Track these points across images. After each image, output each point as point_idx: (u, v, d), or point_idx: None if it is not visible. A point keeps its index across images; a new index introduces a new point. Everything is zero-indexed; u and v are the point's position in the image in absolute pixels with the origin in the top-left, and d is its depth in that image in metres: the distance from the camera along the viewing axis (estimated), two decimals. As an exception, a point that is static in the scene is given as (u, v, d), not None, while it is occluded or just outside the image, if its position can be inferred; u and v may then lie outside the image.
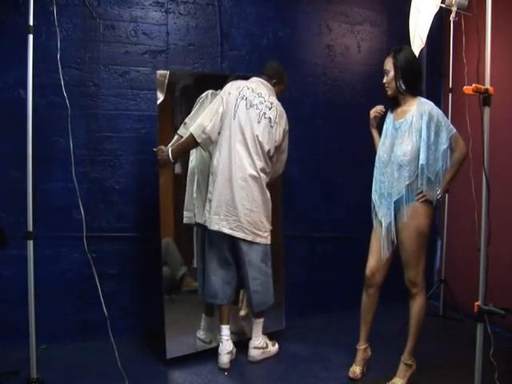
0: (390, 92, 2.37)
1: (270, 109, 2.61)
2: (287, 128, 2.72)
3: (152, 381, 2.50)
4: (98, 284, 2.24)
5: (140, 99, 3.07)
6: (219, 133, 2.58)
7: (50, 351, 2.75)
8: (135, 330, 3.06)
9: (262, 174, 2.59)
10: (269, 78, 2.73)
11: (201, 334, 2.85)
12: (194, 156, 2.83)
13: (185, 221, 2.82)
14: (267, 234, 2.66)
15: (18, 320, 2.49)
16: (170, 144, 2.68)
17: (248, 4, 3.32)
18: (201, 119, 2.57)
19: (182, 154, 2.69)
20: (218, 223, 2.55)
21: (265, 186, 2.64)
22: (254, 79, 2.71)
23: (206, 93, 2.83)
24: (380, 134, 2.49)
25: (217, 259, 2.66)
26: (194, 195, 2.79)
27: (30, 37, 2.05)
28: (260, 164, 2.58)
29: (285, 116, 2.69)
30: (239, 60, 3.15)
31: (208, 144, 2.59)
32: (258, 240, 2.62)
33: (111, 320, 2.27)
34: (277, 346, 2.86)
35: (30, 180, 2.06)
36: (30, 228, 2.06)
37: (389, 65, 2.35)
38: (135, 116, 3.07)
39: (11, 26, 2.76)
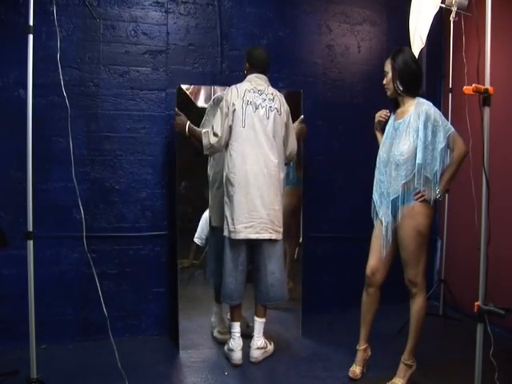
0: (389, 93, 2.41)
1: (273, 100, 2.68)
2: (288, 107, 2.77)
3: (152, 381, 2.50)
4: (97, 284, 2.24)
5: (140, 99, 3.07)
6: (227, 144, 2.64)
7: (50, 351, 2.75)
8: (135, 329, 3.07)
9: (279, 167, 2.67)
10: (263, 71, 2.75)
11: (212, 319, 3.02)
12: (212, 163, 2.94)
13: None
14: (282, 230, 2.73)
15: (17, 320, 2.48)
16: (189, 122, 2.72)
17: (248, 4, 3.32)
18: (205, 132, 2.65)
19: (193, 140, 2.73)
20: (243, 231, 2.59)
21: (281, 180, 2.71)
22: (250, 77, 2.73)
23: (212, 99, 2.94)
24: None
25: (233, 261, 2.68)
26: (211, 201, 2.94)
27: (30, 37, 2.05)
28: (275, 158, 2.65)
29: (283, 98, 2.76)
30: (239, 60, 3.14)
31: (214, 153, 2.73)
32: (280, 237, 2.70)
33: (111, 320, 2.27)
34: (273, 344, 2.88)
35: (30, 180, 2.06)
36: (30, 228, 2.06)
37: (388, 66, 2.38)
38: (135, 116, 3.07)
39: (11, 25, 2.76)
